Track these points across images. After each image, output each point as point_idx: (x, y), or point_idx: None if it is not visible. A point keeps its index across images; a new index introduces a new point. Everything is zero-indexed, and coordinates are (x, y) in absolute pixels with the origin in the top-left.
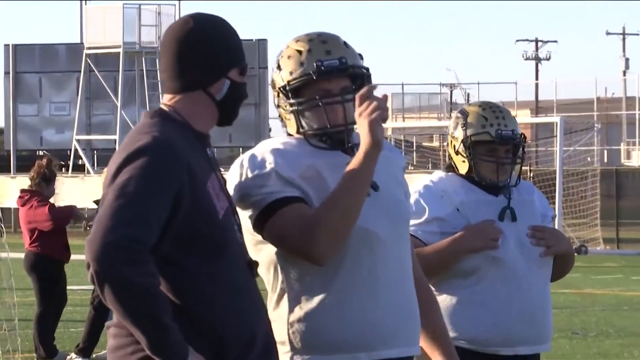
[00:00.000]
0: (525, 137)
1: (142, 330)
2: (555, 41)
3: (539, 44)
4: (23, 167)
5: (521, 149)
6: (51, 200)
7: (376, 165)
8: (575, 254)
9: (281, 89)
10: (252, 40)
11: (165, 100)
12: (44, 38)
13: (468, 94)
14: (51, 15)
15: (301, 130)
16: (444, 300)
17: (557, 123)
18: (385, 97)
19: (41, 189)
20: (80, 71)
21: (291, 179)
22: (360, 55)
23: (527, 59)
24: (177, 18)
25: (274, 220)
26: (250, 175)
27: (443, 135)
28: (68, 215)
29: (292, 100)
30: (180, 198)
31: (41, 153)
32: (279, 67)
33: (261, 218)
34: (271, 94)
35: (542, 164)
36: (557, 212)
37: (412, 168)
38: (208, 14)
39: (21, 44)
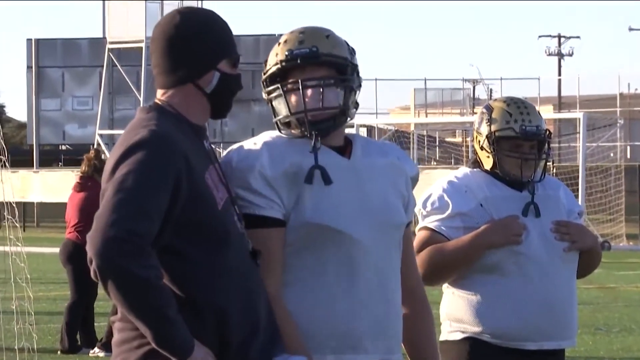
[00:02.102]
0: (550, 133)
1: (146, 323)
2: (578, 37)
3: (562, 39)
4: (45, 161)
5: (546, 144)
6: None
7: (373, 171)
8: None
9: (262, 81)
10: (274, 35)
11: (159, 95)
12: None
13: (491, 90)
14: (74, 10)
15: (274, 119)
16: (468, 295)
17: (579, 119)
18: None
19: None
20: (102, 66)
21: (273, 179)
22: (351, 50)
23: (549, 54)
24: None
25: (248, 232)
26: (235, 169)
27: (466, 130)
28: None
29: (265, 90)
30: (179, 189)
31: (64, 148)
32: (266, 61)
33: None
34: None
35: (564, 160)
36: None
37: (435, 163)
38: (196, 8)
39: (44, 38)
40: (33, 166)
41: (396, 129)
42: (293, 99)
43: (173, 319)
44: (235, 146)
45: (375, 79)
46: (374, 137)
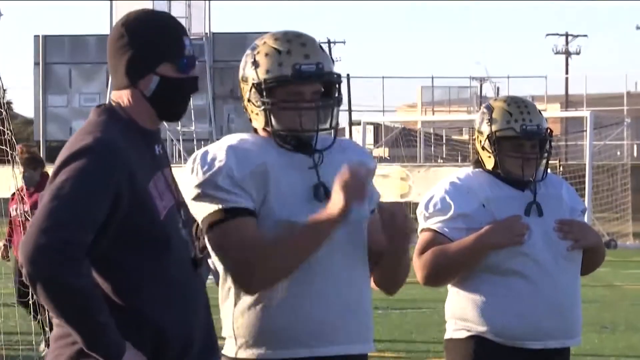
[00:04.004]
0: (551, 132)
1: (76, 328)
2: (586, 35)
3: (569, 38)
4: (52, 157)
5: (548, 143)
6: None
7: (334, 167)
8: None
9: (255, 85)
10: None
11: (112, 96)
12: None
13: (498, 88)
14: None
15: (269, 128)
16: (473, 295)
17: (587, 117)
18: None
19: None
20: (107, 62)
21: (240, 179)
22: (332, 59)
23: (557, 53)
24: (207, 10)
25: (215, 230)
26: (200, 172)
27: (473, 128)
28: None
29: (266, 99)
30: (118, 200)
31: None
32: (255, 63)
33: (205, 222)
34: None
35: (571, 159)
36: (586, 207)
37: (442, 161)
38: (141, 13)
39: (51, 35)
40: None
41: (403, 126)
42: (305, 114)
43: (103, 324)
44: (200, 151)
45: (382, 77)
46: (381, 135)
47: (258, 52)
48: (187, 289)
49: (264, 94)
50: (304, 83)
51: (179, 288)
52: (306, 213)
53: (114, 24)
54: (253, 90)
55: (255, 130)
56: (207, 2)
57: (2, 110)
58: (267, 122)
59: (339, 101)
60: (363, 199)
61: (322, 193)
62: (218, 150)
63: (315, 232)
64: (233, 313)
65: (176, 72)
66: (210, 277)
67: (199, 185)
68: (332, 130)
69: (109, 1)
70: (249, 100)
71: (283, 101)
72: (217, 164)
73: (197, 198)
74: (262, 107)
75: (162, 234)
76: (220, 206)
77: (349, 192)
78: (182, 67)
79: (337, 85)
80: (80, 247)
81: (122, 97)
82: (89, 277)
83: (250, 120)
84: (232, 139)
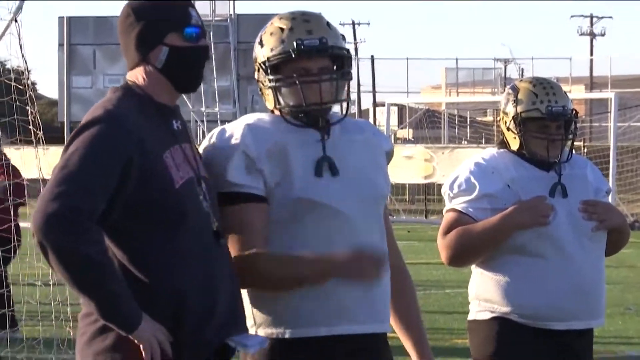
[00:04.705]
0: (577, 113)
1: (91, 298)
2: (610, 17)
3: (594, 19)
4: None
5: (573, 124)
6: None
7: (353, 146)
8: None
9: (261, 64)
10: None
11: (128, 77)
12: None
13: (522, 69)
14: None
15: (278, 106)
16: (497, 276)
17: (611, 99)
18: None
19: None
20: (120, 43)
21: (256, 157)
22: (342, 36)
23: (581, 34)
24: None
25: (225, 211)
26: (217, 149)
27: (497, 110)
28: None
29: (270, 77)
30: (129, 167)
31: None
32: (260, 43)
33: (219, 199)
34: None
35: (596, 140)
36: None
37: (466, 143)
38: None
39: (75, 16)
40: (64, 143)
41: (427, 108)
42: (307, 89)
43: (117, 293)
44: (217, 128)
45: (407, 58)
46: (405, 116)
47: (265, 32)
48: (207, 259)
49: (269, 71)
50: (309, 59)
51: (197, 259)
52: (318, 189)
53: None
54: (261, 70)
55: (272, 111)
56: None
57: (28, 91)
58: (276, 100)
59: (343, 74)
60: (364, 279)
61: (325, 168)
62: (236, 128)
63: (304, 274)
64: (249, 291)
65: (184, 41)
66: None
67: (215, 162)
68: (345, 105)
69: None
70: (258, 81)
71: (288, 77)
72: (235, 141)
73: (212, 173)
74: (269, 86)
75: (177, 203)
76: (230, 190)
77: (351, 268)
78: (190, 36)
79: (346, 60)
80: (89, 215)
81: (136, 75)
82: (101, 245)
83: (265, 100)
84: (249, 118)
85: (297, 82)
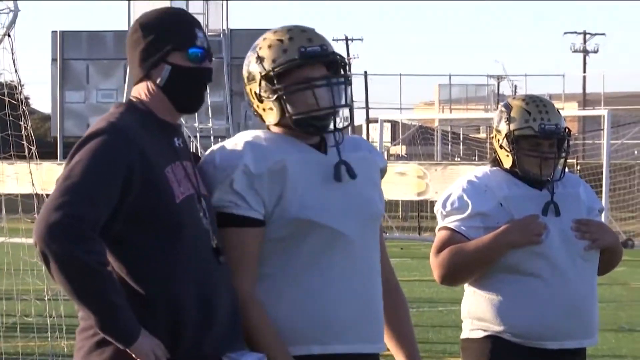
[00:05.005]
0: (569, 131)
1: (90, 308)
2: (604, 34)
3: (587, 36)
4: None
5: (566, 142)
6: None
7: (354, 164)
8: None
9: (264, 77)
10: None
11: (132, 92)
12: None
13: (515, 86)
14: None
15: (287, 116)
16: (489, 294)
17: (604, 116)
18: None
19: None
20: (127, 58)
21: (257, 176)
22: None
23: (575, 51)
24: (224, 7)
25: (221, 232)
26: (218, 168)
27: (490, 127)
28: None
29: (279, 86)
30: (130, 178)
31: None
32: (258, 59)
33: (218, 219)
34: None
35: (589, 157)
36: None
37: (459, 160)
38: (157, 9)
39: (69, 30)
40: (57, 158)
41: (420, 124)
42: (313, 95)
43: (117, 305)
44: (216, 146)
45: (400, 74)
46: (399, 133)
47: (260, 48)
48: (205, 274)
49: (275, 81)
50: (312, 66)
51: (194, 272)
52: (317, 210)
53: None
54: (263, 83)
55: (268, 128)
56: (225, 1)
57: (21, 106)
58: (283, 111)
59: (348, 79)
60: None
61: (343, 171)
62: (235, 146)
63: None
64: None
65: (188, 61)
66: None
67: (216, 180)
68: (348, 112)
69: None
70: (259, 98)
71: (294, 84)
72: (235, 160)
73: (212, 191)
74: (275, 96)
75: (176, 217)
76: (229, 211)
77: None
78: (194, 57)
79: (343, 66)
80: (91, 225)
81: (139, 91)
82: (102, 256)
83: (262, 119)
84: (247, 135)
85: (309, 86)
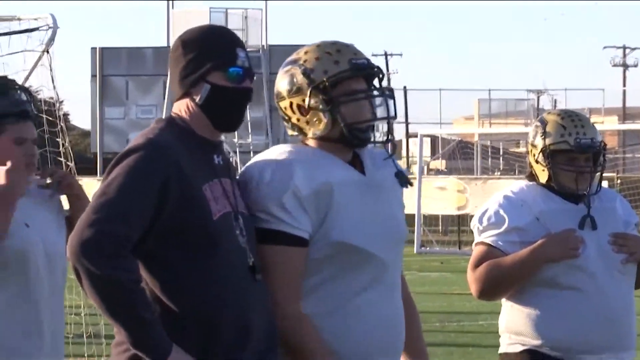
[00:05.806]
0: (605, 145)
1: (122, 324)
2: None
3: (627, 50)
4: None
5: (602, 156)
6: None
7: (384, 185)
8: None
9: (315, 87)
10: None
11: (173, 109)
12: (131, 41)
13: (555, 100)
14: (138, 18)
15: (343, 122)
16: (527, 309)
17: None
18: None
19: None
20: (166, 74)
21: (306, 198)
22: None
23: (614, 65)
24: (263, 22)
25: (267, 249)
26: (266, 185)
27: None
28: None
29: (332, 95)
30: (166, 194)
31: None
32: (306, 71)
33: (259, 235)
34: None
35: (629, 171)
36: None
37: (499, 174)
38: (200, 27)
39: (108, 47)
40: (97, 174)
41: (460, 139)
42: (369, 105)
43: (148, 320)
44: (258, 161)
45: (440, 89)
46: (438, 147)
47: (306, 61)
48: (241, 293)
49: (327, 91)
50: (357, 79)
51: (231, 291)
52: (359, 234)
53: (171, 35)
54: (313, 93)
55: (303, 142)
56: (264, 6)
57: (59, 123)
58: (333, 122)
59: (393, 92)
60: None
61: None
62: (283, 163)
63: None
64: None
65: (227, 81)
66: None
67: (262, 198)
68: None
69: (167, 14)
70: (303, 110)
71: (349, 95)
72: (286, 180)
73: (256, 210)
74: (329, 106)
75: (213, 234)
76: (277, 228)
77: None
78: (233, 76)
79: (380, 79)
80: (125, 242)
81: (180, 108)
82: (135, 273)
83: (302, 133)
84: (290, 151)
85: (367, 96)
